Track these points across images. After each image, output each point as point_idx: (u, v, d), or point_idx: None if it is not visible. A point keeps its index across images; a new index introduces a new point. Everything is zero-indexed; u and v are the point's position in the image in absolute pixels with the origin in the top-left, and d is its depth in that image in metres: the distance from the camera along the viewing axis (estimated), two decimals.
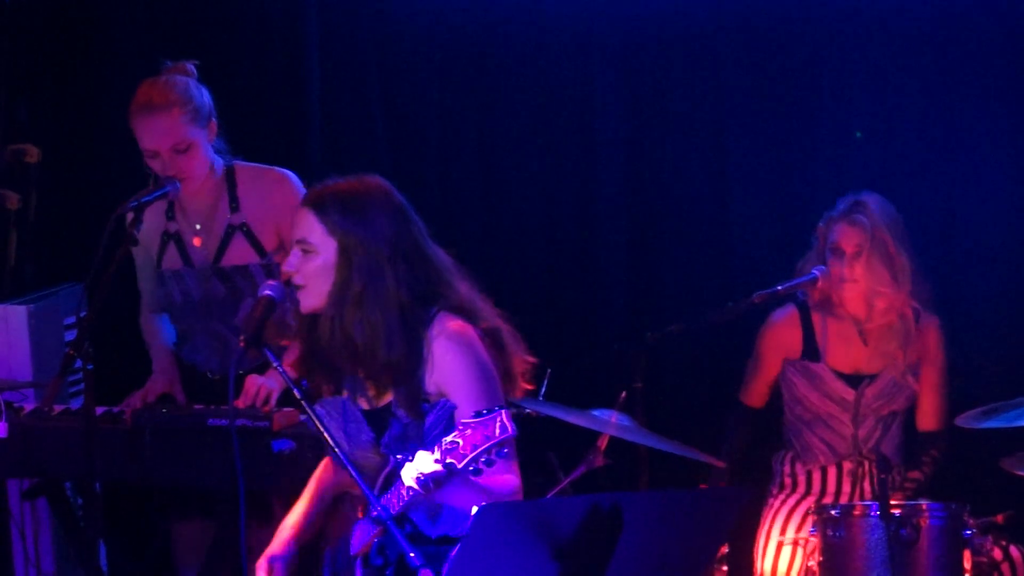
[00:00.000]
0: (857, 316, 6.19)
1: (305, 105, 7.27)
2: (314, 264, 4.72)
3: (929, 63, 7.02)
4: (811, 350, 6.32)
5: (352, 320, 4.70)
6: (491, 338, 4.95)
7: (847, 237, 6.09)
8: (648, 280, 7.30)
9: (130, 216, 5.56)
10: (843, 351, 6.34)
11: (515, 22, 7.21)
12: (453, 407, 4.76)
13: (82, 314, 5.83)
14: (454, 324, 4.78)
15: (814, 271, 6.05)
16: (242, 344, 4.78)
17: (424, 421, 4.77)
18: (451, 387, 4.75)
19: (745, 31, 7.15)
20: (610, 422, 6.00)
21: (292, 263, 4.71)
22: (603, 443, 6.04)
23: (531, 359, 5.02)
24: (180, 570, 6.30)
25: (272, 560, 4.76)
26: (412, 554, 4.35)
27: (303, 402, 4.71)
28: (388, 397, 4.83)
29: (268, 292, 4.82)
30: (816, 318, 6.29)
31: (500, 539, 4.46)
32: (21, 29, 7.61)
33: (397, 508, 4.54)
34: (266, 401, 5.74)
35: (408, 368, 4.75)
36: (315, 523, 5.02)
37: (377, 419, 4.84)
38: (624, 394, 6.04)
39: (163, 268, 5.89)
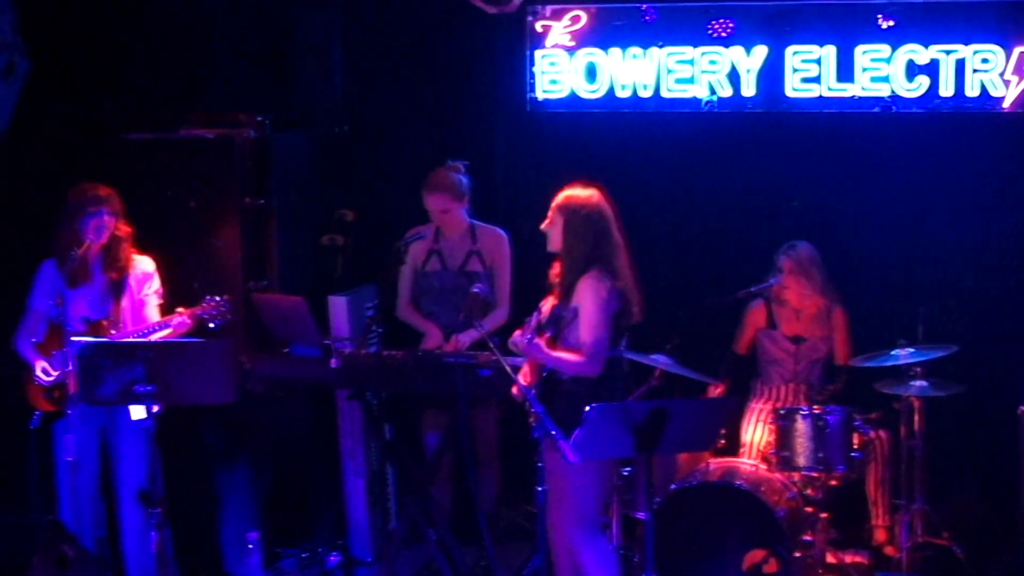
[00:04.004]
0: (795, 305, 7.96)
1: None
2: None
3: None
4: (771, 324, 7.98)
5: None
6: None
7: (784, 262, 7.84)
8: (683, 273, 8.61)
9: (402, 248, 7.71)
10: (789, 325, 7.96)
11: None
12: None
13: (375, 302, 8.01)
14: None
15: (772, 281, 7.81)
16: (462, 319, 7.04)
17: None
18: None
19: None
20: (661, 360, 7.46)
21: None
22: (658, 372, 7.45)
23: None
24: (426, 439, 8.04)
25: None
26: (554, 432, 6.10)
27: (494, 349, 6.56)
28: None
29: (477, 289, 6.91)
30: (774, 306, 7.97)
31: (604, 423, 6.12)
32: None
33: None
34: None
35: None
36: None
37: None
38: (668, 344, 7.55)
39: (426, 270, 7.93)
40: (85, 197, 7.30)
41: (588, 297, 6.43)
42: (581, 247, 6.49)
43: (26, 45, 7.75)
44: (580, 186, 6.64)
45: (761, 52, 8.39)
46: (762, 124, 8.48)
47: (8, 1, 7.52)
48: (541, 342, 6.42)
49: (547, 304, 6.58)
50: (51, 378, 7.25)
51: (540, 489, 6.34)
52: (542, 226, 6.58)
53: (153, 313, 7.46)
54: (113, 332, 7.30)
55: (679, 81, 8.52)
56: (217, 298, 7.34)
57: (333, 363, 7.39)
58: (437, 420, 7.95)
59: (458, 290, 7.79)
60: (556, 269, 6.56)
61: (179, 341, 7.20)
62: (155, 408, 6.72)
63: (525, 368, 6.67)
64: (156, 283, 7.51)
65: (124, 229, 7.40)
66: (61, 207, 7.36)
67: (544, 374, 6.53)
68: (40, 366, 7.29)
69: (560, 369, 6.41)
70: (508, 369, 6.43)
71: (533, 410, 6.24)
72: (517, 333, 6.44)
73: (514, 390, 6.53)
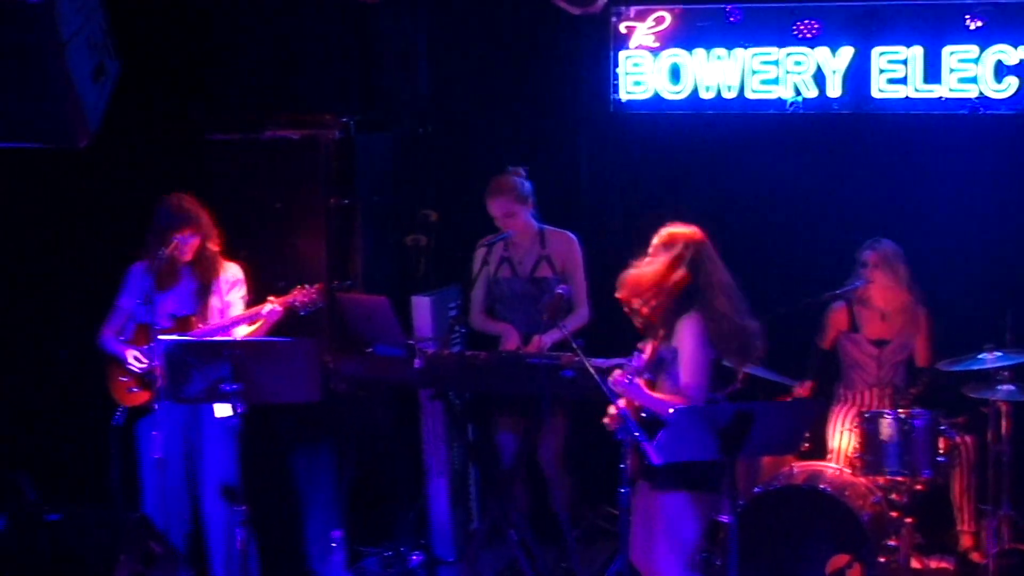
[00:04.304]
0: (880, 305, 7.85)
1: None
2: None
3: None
4: (853, 327, 7.88)
5: None
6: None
7: (870, 256, 7.78)
8: (767, 275, 8.27)
9: (483, 251, 7.77)
10: (872, 328, 7.86)
11: None
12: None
13: (458, 302, 8.07)
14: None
15: (857, 283, 7.75)
16: (546, 319, 7.05)
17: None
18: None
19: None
20: None
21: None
22: (741, 375, 7.33)
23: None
24: (499, 440, 7.99)
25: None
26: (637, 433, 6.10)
27: (578, 350, 6.53)
28: None
29: (561, 290, 7.00)
30: (857, 308, 7.88)
31: (687, 425, 6.08)
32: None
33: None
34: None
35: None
36: None
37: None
38: None
39: (498, 277, 7.94)
40: (173, 216, 7.36)
41: (688, 339, 6.26)
42: (682, 285, 6.32)
43: (116, 46, 7.80)
44: (681, 224, 6.45)
45: (847, 53, 8.32)
46: (847, 125, 8.42)
47: (98, 2, 7.60)
48: (641, 383, 6.28)
49: (648, 347, 6.42)
50: (143, 365, 7.31)
51: (622, 491, 6.28)
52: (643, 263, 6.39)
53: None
54: (201, 326, 7.36)
55: (764, 82, 8.47)
56: (307, 287, 7.39)
57: (416, 363, 7.44)
58: (511, 422, 7.94)
59: (528, 296, 7.83)
60: (644, 310, 6.36)
61: (265, 340, 7.27)
62: (240, 408, 6.75)
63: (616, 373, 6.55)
64: (243, 290, 7.59)
65: (213, 245, 7.49)
66: (150, 210, 7.44)
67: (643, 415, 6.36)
68: (131, 354, 7.37)
69: (658, 413, 6.25)
70: (591, 370, 6.41)
71: (618, 413, 6.21)
72: (617, 373, 6.30)
73: (613, 380, 6.39)
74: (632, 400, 6.27)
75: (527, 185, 7.86)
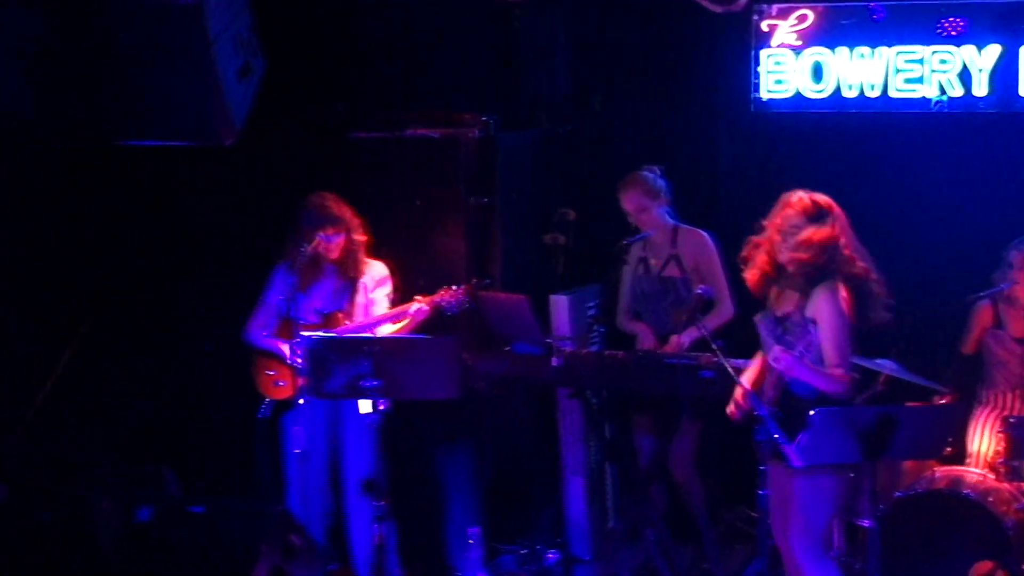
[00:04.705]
0: None
1: None
2: None
3: None
4: (998, 324, 7.69)
5: None
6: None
7: (1016, 257, 7.59)
8: (910, 275, 7.94)
9: (624, 247, 7.67)
10: (1017, 325, 7.67)
11: None
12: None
13: (597, 301, 8.06)
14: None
15: (1003, 285, 7.55)
16: (684, 319, 7.04)
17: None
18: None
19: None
20: (887, 365, 7.35)
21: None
22: (883, 378, 7.36)
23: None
24: (638, 443, 8.01)
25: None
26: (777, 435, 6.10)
27: (717, 351, 6.52)
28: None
29: (701, 290, 6.89)
30: (1002, 306, 7.69)
31: (829, 427, 6.09)
32: None
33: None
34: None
35: None
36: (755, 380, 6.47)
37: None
38: (894, 348, 7.38)
39: (637, 275, 7.91)
40: (312, 216, 7.44)
41: (830, 312, 6.26)
42: (822, 253, 6.32)
43: (261, 45, 7.92)
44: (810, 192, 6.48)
45: (994, 51, 8.14)
46: (994, 125, 8.24)
47: (246, 2, 7.70)
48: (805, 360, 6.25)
49: (780, 309, 6.43)
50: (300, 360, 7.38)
51: (762, 493, 6.27)
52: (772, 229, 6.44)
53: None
54: (347, 323, 7.42)
55: (908, 81, 8.32)
56: (454, 287, 7.43)
57: (554, 362, 7.46)
58: (649, 422, 7.96)
59: (656, 295, 7.83)
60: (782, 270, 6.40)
61: (405, 337, 7.33)
62: (381, 405, 6.81)
63: (748, 373, 6.59)
64: (389, 287, 7.66)
65: (357, 241, 7.54)
66: (293, 206, 7.53)
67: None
68: (287, 349, 7.42)
69: (818, 387, 6.24)
70: (731, 371, 6.39)
71: (757, 413, 6.20)
72: (778, 349, 6.26)
73: (738, 393, 6.46)
74: (795, 374, 6.23)
75: (660, 182, 7.84)
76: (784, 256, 6.38)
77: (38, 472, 7.51)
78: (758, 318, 6.52)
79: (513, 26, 8.65)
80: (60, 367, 7.96)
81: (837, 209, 6.45)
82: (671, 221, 7.91)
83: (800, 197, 6.45)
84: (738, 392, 6.44)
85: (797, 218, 6.40)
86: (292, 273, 7.40)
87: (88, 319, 8.21)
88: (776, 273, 6.46)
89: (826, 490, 6.34)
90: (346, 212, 7.51)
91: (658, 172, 7.87)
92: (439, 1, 8.51)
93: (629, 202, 7.80)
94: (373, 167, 8.17)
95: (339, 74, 8.53)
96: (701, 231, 7.93)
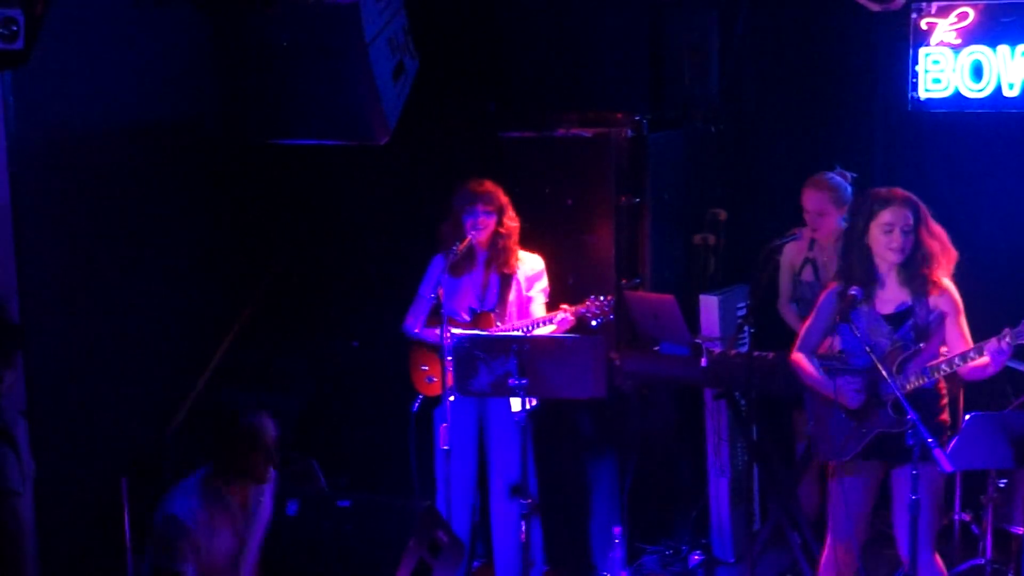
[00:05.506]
0: None
1: None
2: None
3: None
4: None
5: None
6: None
7: None
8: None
9: (775, 248, 7.52)
10: None
11: None
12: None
13: (746, 302, 7.96)
14: None
15: None
16: (839, 319, 6.59)
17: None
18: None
19: None
20: None
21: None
22: None
23: None
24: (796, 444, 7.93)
25: None
26: (929, 439, 5.93)
27: (869, 350, 6.28)
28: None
29: (854, 292, 6.57)
30: None
31: (981, 432, 6.08)
32: None
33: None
34: None
35: None
36: None
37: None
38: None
39: (800, 278, 7.86)
40: (464, 194, 7.49)
41: (956, 303, 6.32)
42: (935, 245, 6.40)
43: (414, 45, 7.98)
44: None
45: None
46: None
47: (401, 2, 7.79)
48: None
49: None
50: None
51: (913, 498, 6.15)
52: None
53: (539, 311, 7.60)
54: (499, 324, 7.46)
55: None
56: (601, 298, 7.41)
57: (702, 362, 7.41)
58: (800, 422, 7.85)
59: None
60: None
61: (552, 336, 7.32)
62: (529, 404, 6.80)
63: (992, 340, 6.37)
64: (544, 282, 7.65)
65: (508, 225, 7.54)
66: (445, 205, 7.59)
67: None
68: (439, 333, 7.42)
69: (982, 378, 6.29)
70: (882, 371, 6.25)
71: (907, 417, 6.09)
72: (994, 340, 6.16)
73: (989, 346, 6.25)
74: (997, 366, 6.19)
75: (849, 190, 7.71)
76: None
77: None
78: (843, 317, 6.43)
79: (664, 25, 8.58)
80: (214, 361, 8.08)
81: None
82: (842, 228, 7.70)
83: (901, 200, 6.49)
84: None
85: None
86: (446, 263, 7.43)
87: (246, 313, 8.31)
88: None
89: (942, 490, 6.38)
90: (498, 192, 7.51)
91: (849, 179, 7.76)
92: (591, 0, 8.50)
93: (811, 201, 7.69)
94: (524, 166, 8.19)
95: (490, 74, 8.57)
96: None
